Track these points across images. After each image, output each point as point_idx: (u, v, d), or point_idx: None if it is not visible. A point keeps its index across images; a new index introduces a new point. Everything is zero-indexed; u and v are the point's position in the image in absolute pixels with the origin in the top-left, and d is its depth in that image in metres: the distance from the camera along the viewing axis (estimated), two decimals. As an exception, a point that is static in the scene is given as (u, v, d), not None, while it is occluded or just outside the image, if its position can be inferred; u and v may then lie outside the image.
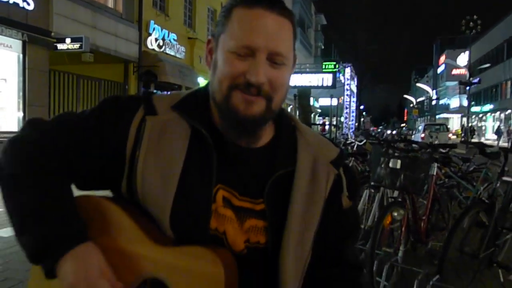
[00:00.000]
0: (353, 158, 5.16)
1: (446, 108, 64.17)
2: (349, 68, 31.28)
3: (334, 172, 0.93)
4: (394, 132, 34.99)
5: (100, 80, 12.54)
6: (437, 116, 61.14)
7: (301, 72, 23.33)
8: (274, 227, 0.88)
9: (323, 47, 52.35)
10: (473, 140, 23.71)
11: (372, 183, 3.19)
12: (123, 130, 0.88)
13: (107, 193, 0.93)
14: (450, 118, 62.85)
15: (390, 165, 2.94)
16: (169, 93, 0.97)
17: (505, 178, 3.29)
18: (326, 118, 33.40)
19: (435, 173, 3.63)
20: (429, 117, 66.22)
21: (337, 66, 30.94)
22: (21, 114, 9.42)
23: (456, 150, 5.74)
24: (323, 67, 31.87)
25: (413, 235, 3.52)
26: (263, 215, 0.89)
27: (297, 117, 3.91)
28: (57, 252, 0.79)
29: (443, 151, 5.33)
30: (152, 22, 14.45)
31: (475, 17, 30.51)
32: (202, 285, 0.76)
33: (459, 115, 53.27)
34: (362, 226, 3.38)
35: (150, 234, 0.82)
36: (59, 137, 0.87)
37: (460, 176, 4.80)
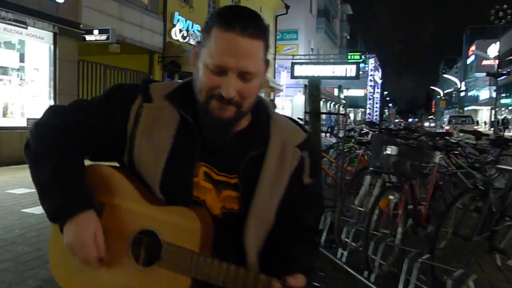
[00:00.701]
0: (363, 147, 5.33)
1: (475, 100, 62.44)
2: (373, 59, 30.93)
3: (299, 154, 1.14)
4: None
5: (126, 70, 12.84)
6: (466, 108, 59.63)
7: (324, 63, 23.27)
8: (245, 197, 1.09)
9: (348, 37, 51.54)
10: (505, 134, 23.18)
11: (371, 169, 3.39)
12: (125, 113, 1.09)
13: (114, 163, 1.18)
14: (479, 110, 61.11)
15: (388, 151, 3.14)
16: (166, 81, 1.21)
17: (499, 166, 3.42)
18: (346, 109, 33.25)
19: (437, 161, 3.79)
20: (457, 109, 64.68)
21: (362, 56, 30.66)
22: (52, 102, 9.71)
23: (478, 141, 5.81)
24: (349, 57, 31.64)
25: (413, 219, 3.71)
26: (237, 188, 1.10)
27: (308, 106, 4.12)
28: (65, 217, 1.01)
29: (454, 141, 5.44)
30: (176, 13, 14.75)
31: (505, 6, 29.57)
32: (183, 235, 1.00)
33: (489, 107, 51.84)
34: (363, 210, 3.58)
35: (145, 196, 1.05)
36: (73, 120, 1.08)
37: (473, 167, 4.87)
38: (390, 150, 3.13)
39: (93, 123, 1.09)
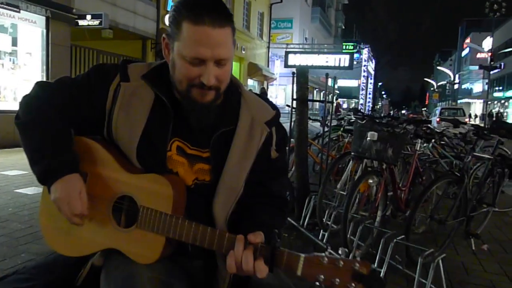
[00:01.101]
0: (349, 135, 5.47)
1: (468, 93, 62.80)
2: (366, 49, 30.99)
3: (266, 130, 1.24)
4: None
5: (119, 55, 12.80)
6: (459, 101, 59.99)
7: (318, 53, 23.31)
8: (216, 169, 1.20)
9: (343, 27, 51.48)
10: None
11: (352, 154, 3.52)
12: (104, 91, 1.20)
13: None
14: (472, 103, 61.56)
15: (368, 137, 3.27)
16: (144, 62, 1.32)
17: (476, 154, 3.58)
18: (340, 99, 33.42)
19: (418, 148, 3.93)
20: (450, 101, 65.05)
21: (357, 47, 30.70)
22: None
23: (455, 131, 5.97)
24: (343, 47, 31.69)
25: (393, 204, 3.87)
26: (208, 161, 1.21)
27: (295, 93, 4.23)
28: (54, 177, 1.11)
29: (438, 131, 5.59)
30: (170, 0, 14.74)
31: (499, -1, 29.69)
32: (157, 199, 1.12)
33: (482, 101, 52.22)
34: (345, 193, 3.72)
35: (123, 165, 1.17)
36: (58, 94, 1.20)
37: (458, 157, 5.02)
38: (370, 135, 3.26)
39: (76, 98, 1.20)
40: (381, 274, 2.76)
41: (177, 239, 1.11)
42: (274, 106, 1.33)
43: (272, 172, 1.29)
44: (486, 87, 39.48)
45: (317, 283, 0.99)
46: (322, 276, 0.98)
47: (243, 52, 24.11)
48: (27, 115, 1.19)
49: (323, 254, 1.00)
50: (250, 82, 26.75)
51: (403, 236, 2.99)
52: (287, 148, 1.37)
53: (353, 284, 0.97)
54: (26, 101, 1.21)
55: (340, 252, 1.01)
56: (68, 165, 1.14)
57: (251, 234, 1.06)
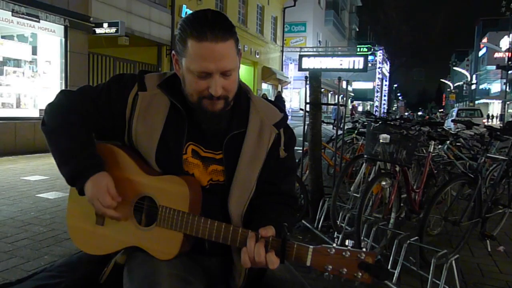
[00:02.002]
0: (363, 138, 5.50)
1: (486, 94, 61.69)
2: (381, 51, 30.80)
3: (275, 131, 1.32)
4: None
5: (135, 62, 13.05)
6: (477, 102, 58.98)
7: (332, 56, 23.29)
8: (229, 170, 1.28)
9: (357, 29, 51.28)
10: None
11: (365, 156, 3.56)
12: (124, 100, 1.29)
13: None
14: (490, 103, 60.48)
15: (380, 140, 3.30)
16: (159, 72, 1.40)
17: (490, 155, 3.57)
18: (355, 102, 33.26)
19: (432, 150, 3.94)
20: (467, 102, 64.07)
21: (371, 49, 30.50)
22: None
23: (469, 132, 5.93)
24: (357, 49, 31.52)
25: (407, 206, 3.88)
26: (221, 162, 1.29)
27: (308, 97, 4.28)
28: (83, 178, 1.20)
29: (453, 132, 5.57)
30: (184, 6, 14.94)
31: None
32: (175, 199, 1.20)
33: (500, 101, 51.26)
34: (359, 195, 3.75)
35: (143, 168, 1.25)
36: (81, 102, 1.29)
37: (474, 158, 4.96)
38: (383, 138, 3.29)
39: (97, 107, 1.29)
40: (395, 275, 2.79)
41: (194, 235, 1.18)
42: (281, 109, 1.40)
43: (281, 170, 1.36)
44: (504, 87, 38.77)
45: (326, 273, 1.05)
46: (330, 266, 1.04)
47: (257, 56, 24.22)
48: (52, 121, 1.28)
49: (331, 245, 1.06)
50: (264, 86, 26.83)
51: (417, 238, 3.01)
52: (295, 148, 1.43)
53: (359, 273, 1.03)
54: (51, 108, 1.31)
55: (347, 243, 1.07)
56: (94, 165, 1.22)
57: (262, 228, 1.13)
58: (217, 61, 1.16)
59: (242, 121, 1.31)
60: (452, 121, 7.40)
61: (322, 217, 3.94)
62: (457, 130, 6.00)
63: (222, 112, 1.24)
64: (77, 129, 1.25)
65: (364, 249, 1.05)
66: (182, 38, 1.19)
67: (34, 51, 9.73)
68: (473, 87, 62.42)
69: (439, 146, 4.81)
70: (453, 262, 2.56)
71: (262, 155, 1.30)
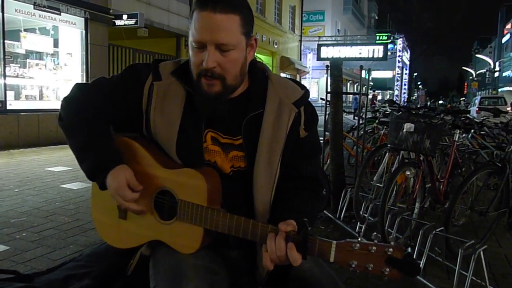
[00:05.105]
0: (385, 127, 5.40)
1: (510, 81, 59.96)
2: (401, 39, 30.21)
3: (295, 110, 1.24)
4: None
5: (154, 53, 13.07)
6: (500, 90, 57.49)
7: (351, 45, 22.90)
8: (249, 155, 1.22)
9: (376, 17, 50.42)
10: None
11: (389, 146, 3.49)
12: (139, 91, 1.25)
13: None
14: (514, 91, 58.86)
15: (405, 129, 3.24)
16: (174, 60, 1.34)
17: (517, 144, 3.46)
18: (376, 91, 32.79)
19: (456, 139, 3.85)
20: (490, 90, 62.49)
21: (391, 37, 29.97)
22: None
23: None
24: (377, 38, 31.02)
25: (432, 196, 3.81)
26: (241, 148, 1.23)
27: (329, 86, 4.23)
28: (104, 172, 1.17)
29: (478, 121, 5.44)
30: (202, -4, 14.87)
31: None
32: (193, 193, 1.16)
33: (525, 89, 49.82)
34: (382, 186, 3.70)
35: (160, 161, 1.22)
36: (96, 95, 1.25)
37: (500, 147, 4.84)
38: (407, 127, 3.23)
39: (112, 98, 1.25)
40: (421, 266, 2.75)
41: (213, 230, 1.15)
42: (302, 86, 1.32)
43: (302, 152, 1.28)
44: (529, 74, 37.65)
45: (351, 269, 0.99)
46: (355, 262, 0.98)
47: (275, 46, 24.06)
48: (68, 116, 1.25)
49: (356, 240, 1.00)
50: (283, 75, 26.65)
51: (442, 228, 2.95)
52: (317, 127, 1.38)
53: (387, 269, 0.96)
54: (67, 102, 1.27)
55: (373, 237, 1.00)
56: (112, 159, 1.19)
57: (282, 223, 1.07)
58: (212, 31, 1.10)
59: (259, 101, 1.24)
60: (478, 108, 7.20)
61: (344, 207, 3.91)
62: (482, 118, 5.84)
63: (219, 96, 1.17)
64: (93, 122, 1.22)
65: (392, 243, 0.98)
66: (191, 12, 1.15)
67: (56, 44, 9.85)
68: (496, 74, 60.74)
69: (463, 135, 4.70)
70: (481, 253, 2.50)
71: (282, 137, 1.22)
